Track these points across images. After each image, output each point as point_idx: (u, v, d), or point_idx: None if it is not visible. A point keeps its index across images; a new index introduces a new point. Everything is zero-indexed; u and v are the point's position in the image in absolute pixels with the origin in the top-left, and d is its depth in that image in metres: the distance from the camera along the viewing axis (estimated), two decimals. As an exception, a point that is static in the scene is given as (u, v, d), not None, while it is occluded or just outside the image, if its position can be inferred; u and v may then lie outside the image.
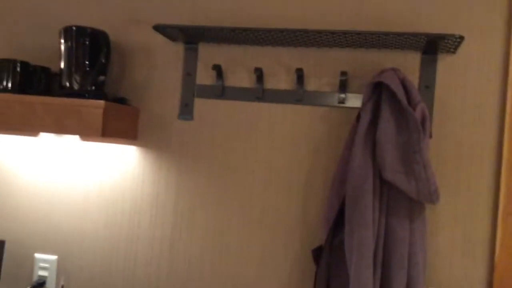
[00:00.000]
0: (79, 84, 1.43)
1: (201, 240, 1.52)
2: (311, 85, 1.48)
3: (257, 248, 1.48)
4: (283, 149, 1.48)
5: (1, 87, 1.47)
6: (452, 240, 1.37)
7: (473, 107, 1.38)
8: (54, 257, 1.59)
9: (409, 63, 1.42)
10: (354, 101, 1.45)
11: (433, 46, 1.35)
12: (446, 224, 1.38)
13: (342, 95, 1.45)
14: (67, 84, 1.43)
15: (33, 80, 1.50)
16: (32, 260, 1.61)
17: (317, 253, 1.37)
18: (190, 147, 1.54)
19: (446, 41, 1.29)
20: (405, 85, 1.31)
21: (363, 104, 1.33)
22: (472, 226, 1.36)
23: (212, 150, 1.52)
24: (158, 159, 1.56)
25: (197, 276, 1.51)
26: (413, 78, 1.41)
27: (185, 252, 1.53)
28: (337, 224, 1.34)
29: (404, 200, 1.28)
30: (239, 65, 1.52)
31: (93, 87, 1.44)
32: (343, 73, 1.41)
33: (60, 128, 1.38)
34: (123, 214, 1.57)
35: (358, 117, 1.33)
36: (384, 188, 1.29)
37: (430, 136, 1.32)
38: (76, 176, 1.61)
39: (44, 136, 1.63)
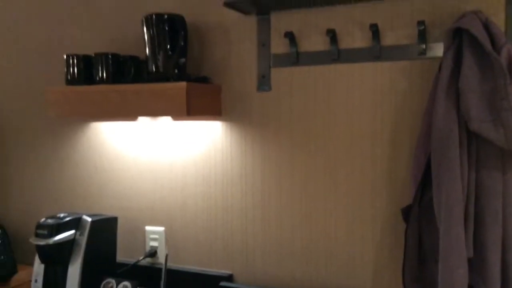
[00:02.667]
0: (163, 68, 1.52)
1: (290, 206, 1.56)
2: (387, 39, 1.42)
3: (345, 211, 1.48)
4: (364, 109, 1.46)
5: (97, 78, 1.62)
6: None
7: None
8: (162, 229, 1.75)
9: (492, 4, 1.30)
10: (436, 51, 1.37)
11: (519, -20, 1.22)
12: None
13: (422, 46, 1.38)
14: (153, 69, 1.54)
15: (124, 69, 1.63)
16: (143, 232, 1.79)
17: (407, 212, 1.35)
18: (271, 118, 1.58)
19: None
20: (488, 28, 1.21)
21: (444, 52, 1.26)
22: None
23: (292, 118, 1.55)
24: (243, 131, 1.62)
25: (288, 241, 1.57)
26: (498, 20, 1.29)
27: (276, 218, 1.58)
28: (426, 181, 1.30)
29: (494, 150, 1.20)
30: (311, 29, 1.51)
31: (176, 70, 1.53)
32: (421, 23, 1.33)
33: (150, 111, 1.49)
34: (216, 186, 1.67)
35: (440, 67, 1.26)
36: (472, 139, 1.22)
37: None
38: (172, 154, 1.73)
39: (141, 120, 1.77)
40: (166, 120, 1.73)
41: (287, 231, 1.57)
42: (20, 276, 1.81)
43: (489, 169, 1.21)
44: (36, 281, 1.52)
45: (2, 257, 1.76)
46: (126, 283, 1.40)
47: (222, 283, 1.56)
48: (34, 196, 2.00)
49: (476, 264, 1.22)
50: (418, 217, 1.32)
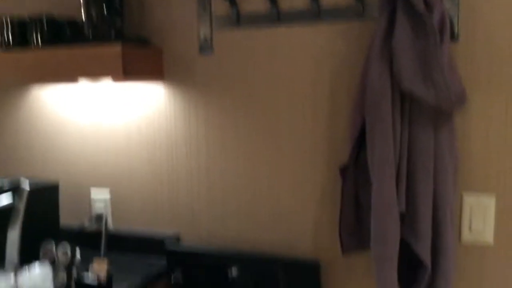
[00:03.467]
0: (99, 30, 1.48)
1: (234, 168, 1.58)
2: (326, 0, 1.42)
3: (287, 171, 1.51)
4: (304, 71, 1.47)
5: (33, 42, 1.56)
6: (487, 142, 1.31)
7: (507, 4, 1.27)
8: (107, 193, 1.74)
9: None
10: (373, 12, 1.38)
11: None
12: (480, 127, 1.31)
13: (360, 7, 1.39)
14: (89, 31, 1.49)
15: (60, 32, 1.57)
16: (88, 197, 1.77)
17: (344, 171, 1.39)
18: (214, 81, 1.57)
19: None
20: (422, -13, 1.23)
21: (379, 14, 1.27)
22: (507, 126, 1.29)
23: (235, 82, 1.54)
24: (186, 95, 1.61)
25: (233, 202, 1.59)
26: (432, -22, 1.30)
27: (221, 180, 1.60)
28: (362, 141, 1.33)
29: (426, 110, 1.23)
30: (252, -11, 1.49)
31: (113, 31, 1.49)
32: (358, -17, 1.34)
33: (87, 73, 1.46)
34: (161, 150, 1.66)
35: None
36: (405, 99, 1.25)
37: (455, 38, 1.25)
38: (115, 117, 1.71)
39: (81, 83, 1.73)
40: (107, 83, 1.69)
41: (231, 192, 1.59)
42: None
43: (421, 128, 1.25)
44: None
45: None
46: (66, 247, 1.40)
47: (168, 245, 1.58)
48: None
49: (408, 219, 1.27)
50: (354, 175, 1.36)
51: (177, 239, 1.67)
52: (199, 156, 1.62)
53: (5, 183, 1.52)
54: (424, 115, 1.25)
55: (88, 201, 1.78)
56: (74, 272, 1.40)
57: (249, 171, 1.56)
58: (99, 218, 1.73)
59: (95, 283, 1.33)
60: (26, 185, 1.51)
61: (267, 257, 1.48)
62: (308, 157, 1.49)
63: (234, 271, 1.49)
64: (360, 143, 1.33)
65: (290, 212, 1.53)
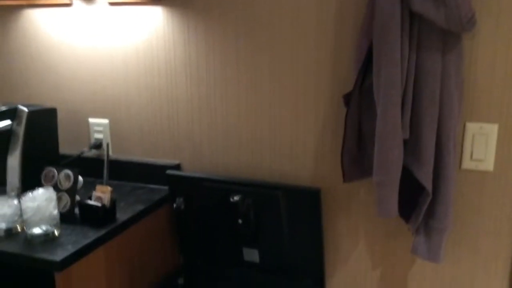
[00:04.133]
0: None
1: (235, 96, 1.55)
2: None
3: (290, 99, 1.49)
4: (309, -7, 1.41)
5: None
6: (492, 71, 1.29)
7: None
8: (106, 121, 1.72)
9: None
10: None
11: None
12: (487, 55, 1.29)
13: None
14: None
15: None
16: (87, 124, 1.75)
17: (348, 97, 1.37)
18: (214, 5, 1.50)
19: None
20: None
21: None
22: (515, 56, 1.27)
23: (237, 6, 1.48)
24: (185, 18, 1.54)
25: (234, 130, 1.58)
26: None
27: (222, 108, 1.58)
28: (368, 67, 1.30)
29: (435, 32, 1.20)
30: None
31: None
32: None
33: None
34: (160, 77, 1.62)
35: None
36: (414, 21, 1.21)
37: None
38: (112, 42, 1.65)
39: (76, 5, 1.65)
40: (102, 4, 1.62)
41: (233, 120, 1.58)
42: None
43: (429, 50, 1.22)
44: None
45: None
46: (68, 171, 1.39)
47: (169, 171, 1.58)
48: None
49: (411, 146, 1.27)
50: (358, 102, 1.34)
51: (178, 168, 1.67)
52: (199, 84, 1.59)
53: (2, 107, 1.49)
54: (433, 39, 1.21)
55: (85, 129, 1.76)
56: (77, 197, 1.41)
57: (251, 99, 1.54)
58: (98, 145, 1.73)
59: (98, 206, 1.33)
60: (24, 108, 1.47)
61: (269, 184, 1.49)
62: (312, 85, 1.46)
63: (236, 197, 1.50)
64: (366, 68, 1.30)
65: (292, 141, 1.52)
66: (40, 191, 1.27)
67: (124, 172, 1.70)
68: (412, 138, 1.26)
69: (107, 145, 1.47)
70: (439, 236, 1.30)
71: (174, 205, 1.58)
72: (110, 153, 1.70)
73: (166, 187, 1.64)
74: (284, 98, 1.50)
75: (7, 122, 1.47)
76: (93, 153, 1.74)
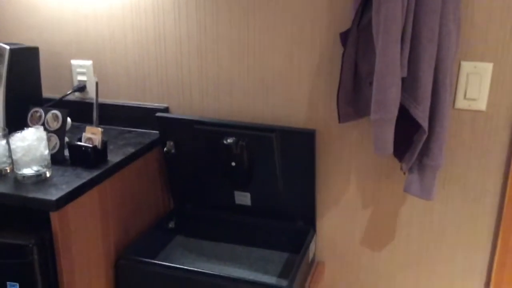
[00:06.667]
0: None
1: (227, 36, 1.50)
2: None
3: (285, 39, 1.46)
4: None
5: None
6: (489, 9, 1.28)
7: None
8: (89, 62, 1.65)
9: None
10: None
11: None
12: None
13: None
14: None
15: None
16: (69, 67, 1.68)
17: (345, 36, 1.35)
18: None
19: None
20: None
21: None
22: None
23: None
24: (175, -48, 1.47)
25: (225, 73, 1.54)
26: None
27: (212, 50, 1.53)
28: (366, 3, 1.28)
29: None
30: None
31: None
32: None
33: None
34: (146, 15, 1.56)
35: None
36: (416, -44, 1.19)
37: None
38: (95, -20, 1.57)
39: None
40: None
41: (224, 63, 1.54)
42: None
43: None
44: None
45: None
46: (56, 111, 1.33)
47: (159, 114, 1.54)
48: None
49: (409, 83, 1.27)
50: (355, 40, 1.32)
51: (166, 111, 1.63)
52: (188, 23, 1.53)
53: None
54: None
55: (69, 72, 1.69)
56: (66, 138, 1.37)
57: (243, 41, 1.50)
58: (81, 87, 1.67)
59: (90, 147, 1.29)
60: (5, 45, 1.39)
61: (263, 126, 1.48)
62: (307, 24, 1.43)
63: (229, 140, 1.48)
64: (364, 5, 1.28)
65: (286, 82, 1.50)
66: (30, 131, 1.22)
67: (110, 115, 1.65)
68: (410, 76, 1.26)
69: (96, 84, 1.41)
70: (432, 174, 1.32)
71: (165, 149, 1.55)
72: (94, 96, 1.64)
73: (154, 131, 1.60)
74: (278, 35, 1.46)
75: None
76: (76, 96, 1.68)
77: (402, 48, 1.23)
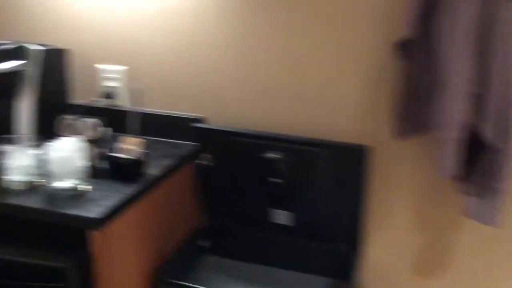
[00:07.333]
0: None
1: (269, 42, 1.40)
2: None
3: (334, 46, 1.36)
4: None
5: None
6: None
7: None
8: (122, 68, 1.54)
9: None
10: None
11: None
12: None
13: None
14: None
15: None
16: (99, 71, 1.57)
17: (403, 45, 1.25)
18: None
19: None
20: None
21: None
22: None
23: None
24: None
25: (267, 82, 1.44)
26: None
27: (252, 56, 1.43)
28: (428, 8, 1.18)
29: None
30: None
31: None
32: None
33: None
34: (183, 19, 1.45)
35: None
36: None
37: None
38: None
39: None
40: None
41: (266, 71, 1.44)
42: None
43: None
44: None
45: None
46: (92, 120, 1.23)
47: (196, 124, 1.44)
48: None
49: (478, 100, 1.18)
50: (415, 49, 1.23)
51: (202, 121, 1.52)
52: (228, 28, 1.43)
53: (8, 43, 1.29)
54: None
55: (98, 77, 1.57)
56: (103, 148, 1.25)
57: (287, 47, 1.40)
58: (110, 94, 1.56)
59: (130, 159, 1.18)
60: (36, 46, 1.28)
61: (307, 140, 1.38)
62: (359, 31, 1.33)
63: (270, 154, 1.38)
64: (425, 10, 1.19)
65: (334, 93, 1.40)
66: (66, 141, 1.11)
67: (140, 124, 1.54)
68: (479, 92, 1.17)
69: (138, 92, 1.30)
70: (498, 198, 1.23)
71: (201, 162, 1.45)
72: (126, 103, 1.54)
73: (188, 143, 1.50)
74: (327, 43, 1.36)
75: (16, 62, 1.27)
76: (105, 102, 1.57)
77: (469, 60, 1.15)
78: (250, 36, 1.42)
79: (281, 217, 1.48)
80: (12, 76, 1.25)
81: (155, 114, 1.54)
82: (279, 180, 1.40)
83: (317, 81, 1.41)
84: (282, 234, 1.50)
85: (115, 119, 1.49)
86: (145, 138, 1.50)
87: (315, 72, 1.40)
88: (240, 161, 1.43)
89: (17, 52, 1.28)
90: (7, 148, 1.14)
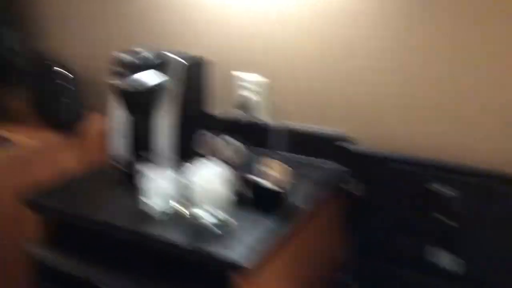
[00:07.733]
0: None
1: (442, 53, 1.17)
2: None
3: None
4: None
5: None
6: None
7: None
8: (263, 79, 1.39)
9: None
10: None
11: None
12: None
13: None
14: None
15: None
16: (239, 81, 1.44)
17: None
18: None
19: None
20: None
21: None
22: None
23: None
24: None
25: (426, 99, 1.22)
26: None
27: (419, 68, 1.20)
28: None
29: None
30: None
31: None
32: None
33: None
34: (335, 27, 1.27)
35: None
36: None
37: None
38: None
39: None
40: None
41: (438, 86, 1.20)
42: (89, 124, 1.53)
43: None
44: (116, 131, 1.21)
45: (68, 102, 1.47)
46: (234, 142, 1.09)
47: (346, 145, 1.24)
48: (98, 32, 1.65)
49: None
50: None
51: (349, 140, 1.32)
52: (386, 33, 1.22)
53: (152, 54, 1.18)
54: None
55: (230, 86, 1.44)
56: (243, 171, 1.10)
57: (454, 60, 1.16)
58: (251, 108, 1.42)
59: (278, 191, 1.02)
60: (180, 59, 1.17)
61: (484, 172, 1.12)
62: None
63: (436, 185, 1.15)
64: None
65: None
66: (209, 165, 0.98)
67: (283, 140, 1.37)
68: None
69: (281, 105, 1.14)
70: None
71: (350, 189, 1.25)
72: (265, 116, 1.39)
73: (334, 164, 1.30)
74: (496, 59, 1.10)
75: (160, 76, 1.15)
76: (239, 114, 1.43)
77: None
78: (414, 44, 1.20)
79: (444, 260, 1.23)
80: (154, 91, 1.15)
81: (293, 129, 1.36)
82: (447, 218, 1.16)
83: (496, 100, 1.14)
84: (444, 280, 1.25)
85: (254, 133, 1.34)
86: (285, 155, 1.34)
87: (496, 90, 1.13)
88: (397, 191, 1.22)
89: (159, 64, 1.18)
90: (146, 168, 1.04)
